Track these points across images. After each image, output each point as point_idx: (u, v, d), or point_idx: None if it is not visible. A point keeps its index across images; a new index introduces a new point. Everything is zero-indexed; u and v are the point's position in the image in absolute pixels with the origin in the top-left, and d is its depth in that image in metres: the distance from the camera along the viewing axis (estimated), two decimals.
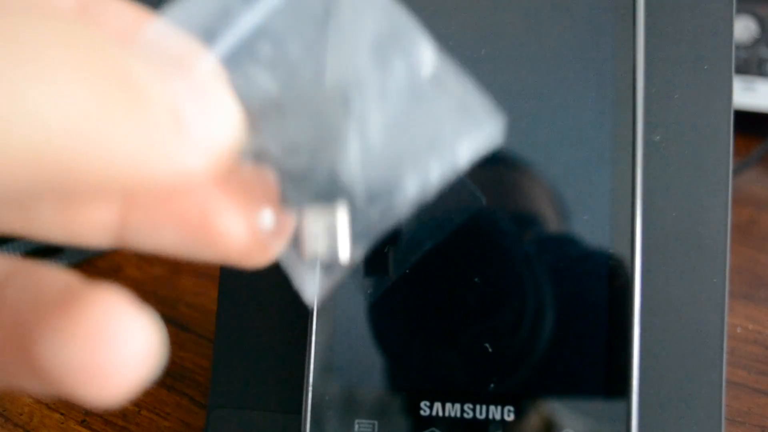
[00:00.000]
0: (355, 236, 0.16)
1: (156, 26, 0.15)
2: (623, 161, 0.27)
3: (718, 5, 0.28)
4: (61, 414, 0.33)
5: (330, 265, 0.16)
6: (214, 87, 0.15)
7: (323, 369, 0.27)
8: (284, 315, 0.29)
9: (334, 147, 0.15)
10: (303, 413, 0.26)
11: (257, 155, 0.16)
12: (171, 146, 0.13)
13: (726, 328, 0.28)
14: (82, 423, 0.33)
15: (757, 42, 0.45)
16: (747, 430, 0.32)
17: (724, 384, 0.27)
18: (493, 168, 0.27)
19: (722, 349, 0.27)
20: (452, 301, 0.27)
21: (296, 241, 0.16)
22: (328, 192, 0.15)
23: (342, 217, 0.15)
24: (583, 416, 0.26)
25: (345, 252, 0.16)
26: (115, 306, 0.13)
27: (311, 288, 0.16)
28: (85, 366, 0.12)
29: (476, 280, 0.27)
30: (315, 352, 0.27)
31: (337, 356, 0.27)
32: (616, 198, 0.27)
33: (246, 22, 0.15)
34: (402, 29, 0.15)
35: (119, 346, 0.13)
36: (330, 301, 0.27)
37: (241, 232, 0.16)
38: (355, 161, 0.15)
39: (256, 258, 0.16)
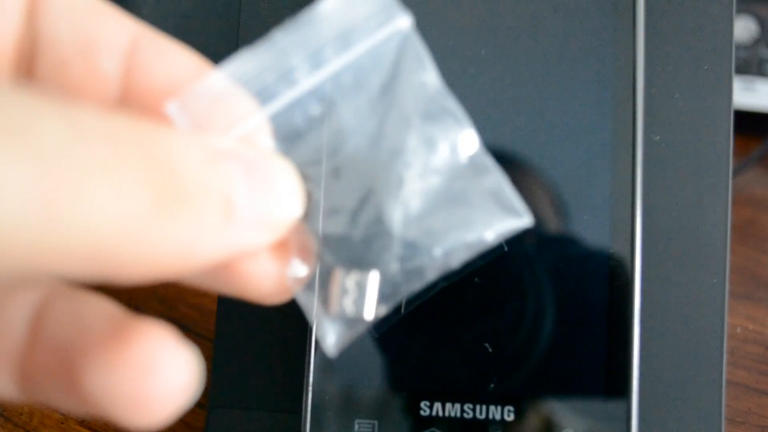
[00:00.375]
0: (381, 297, 0.17)
1: (211, 79, 0.15)
2: (623, 161, 0.27)
3: (718, 5, 0.28)
4: (61, 414, 0.33)
5: (353, 320, 0.17)
6: (271, 162, 0.15)
7: (323, 369, 0.27)
8: (284, 315, 0.29)
9: (378, 214, 0.16)
10: (303, 413, 0.26)
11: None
12: (221, 231, 0.13)
13: (726, 328, 0.28)
14: (82, 423, 0.33)
15: (757, 42, 0.45)
16: (747, 430, 0.32)
17: (724, 384, 0.27)
18: None
19: (722, 349, 0.27)
20: (452, 300, 0.27)
21: (323, 295, 0.17)
22: (363, 255, 0.16)
23: (373, 280, 0.16)
24: (583, 416, 0.26)
25: (370, 312, 0.17)
26: (161, 341, 0.14)
27: (332, 340, 0.17)
28: (130, 395, 0.13)
29: (476, 280, 0.27)
30: (315, 352, 0.26)
31: (337, 356, 0.27)
32: (616, 198, 0.27)
33: (306, 85, 0.16)
34: (448, 113, 0.16)
35: (164, 379, 0.13)
36: None
37: (268, 278, 0.16)
38: (396, 229, 0.16)
39: (272, 299, 0.16)
